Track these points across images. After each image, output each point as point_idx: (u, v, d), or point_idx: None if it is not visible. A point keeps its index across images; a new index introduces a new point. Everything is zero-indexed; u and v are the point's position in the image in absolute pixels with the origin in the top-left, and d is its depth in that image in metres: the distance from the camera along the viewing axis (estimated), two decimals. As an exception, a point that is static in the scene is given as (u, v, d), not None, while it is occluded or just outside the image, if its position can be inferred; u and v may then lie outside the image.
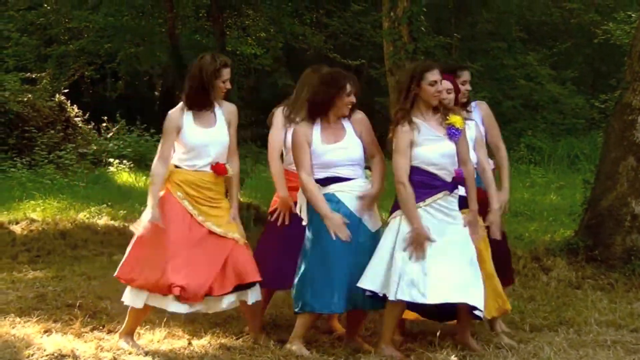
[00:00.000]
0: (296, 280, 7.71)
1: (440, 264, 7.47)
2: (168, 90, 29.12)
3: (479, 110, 8.87)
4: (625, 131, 11.68)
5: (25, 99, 23.14)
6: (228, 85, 7.84)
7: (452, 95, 8.00)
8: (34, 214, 15.81)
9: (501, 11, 29.34)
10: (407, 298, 7.42)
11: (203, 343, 8.11)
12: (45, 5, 23.48)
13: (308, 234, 7.75)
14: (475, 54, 28.60)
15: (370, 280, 7.52)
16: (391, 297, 7.44)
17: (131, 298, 7.81)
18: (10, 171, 20.92)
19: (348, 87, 7.69)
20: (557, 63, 30.58)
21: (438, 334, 7.90)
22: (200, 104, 7.76)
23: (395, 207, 7.69)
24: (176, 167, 7.83)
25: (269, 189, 8.10)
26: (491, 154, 8.73)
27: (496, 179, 8.65)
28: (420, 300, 7.43)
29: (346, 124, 7.87)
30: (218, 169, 7.82)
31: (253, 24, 19.86)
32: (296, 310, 7.75)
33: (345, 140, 7.77)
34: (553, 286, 10.88)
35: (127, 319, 7.92)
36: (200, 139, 7.73)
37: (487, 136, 8.83)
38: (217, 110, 7.88)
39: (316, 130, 7.73)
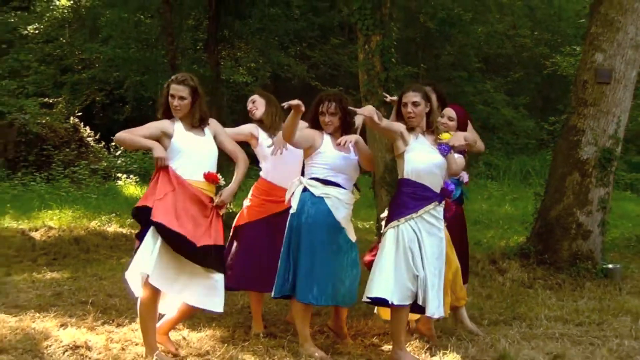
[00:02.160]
0: (284, 272, 7.52)
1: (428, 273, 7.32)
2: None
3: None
4: (571, 150, 11.74)
5: (44, 121, 23.09)
6: (175, 102, 7.36)
7: (453, 123, 8.19)
8: (51, 222, 15.77)
9: (462, 45, 29.42)
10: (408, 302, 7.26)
11: (200, 336, 8.11)
12: (61, 39, 23.55)
13: (298, 224, 7.50)
14: (439, 82, 28.67)
15: (376, 289, 7.22)
16: (397, 303, 7.21)
17: None
18: (30, 185, 20.88)
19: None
20: (511, 90, 30.72)
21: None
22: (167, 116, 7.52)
23: (391, 217, 7.40)
24: None
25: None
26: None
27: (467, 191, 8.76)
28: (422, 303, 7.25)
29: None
30: (209, 177, 7.48)
31: (244, 56, 19.93)
32: (276, 295, 7.58)
33: (352, 155, 7.68)
34: (508, 286, 10.90)
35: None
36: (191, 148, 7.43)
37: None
38: (206, 128, 7.58)
39: (328, 138, 7.64)
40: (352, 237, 7.68)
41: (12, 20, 26.14)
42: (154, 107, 30.09)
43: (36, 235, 14.51)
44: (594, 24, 11.80)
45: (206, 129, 7.58)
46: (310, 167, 7.66)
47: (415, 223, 7.28)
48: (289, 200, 7.73)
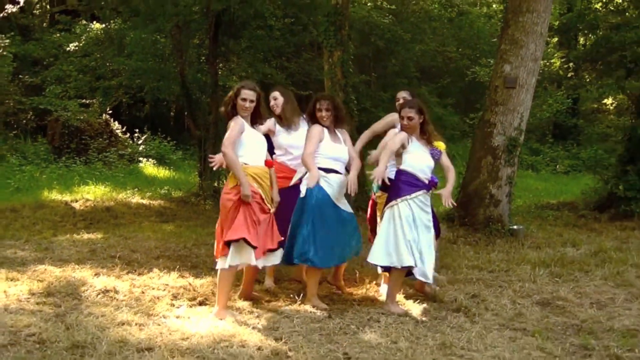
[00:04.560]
0: (297, 239, 7.21)
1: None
2: (179, 111, 29.12)
3: None
4: (485, 139, 11.78)
5: (82, 117, 22.88)
6: (247, 105, 7.03)
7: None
8: (88, 195, 15.71)
9: (404, 58, 29.38)
10: (412, 264, 7.11)
11: (202, 282, 8.12)
12: (95, 54, 23.45)
13: (307, 205, 7.22)
14: (386, 87, 28.60)
15: (379, 257, 7.18)
16: (399, 265, 7.11)
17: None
18: (72, 166, 20.70)
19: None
20: (441, 93, 30.72)
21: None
22: (230, 115, 7.08)
23: (390, 199, 7.29)
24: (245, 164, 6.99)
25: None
26: None
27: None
28: (419, 265, 7.15)
29: (340, 133, 7.59)
30: (268, 163, 7.22)
31: (237, 67, 19.83)
32: (297, 261, 7.27)
33: (342, 145, 7.48)
34: (438, 242, 10.93)
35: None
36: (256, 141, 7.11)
37: None
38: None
39: (326, 132, 7.43)
40: (348, 208, 7.42)
41: (57, 39, 26.03)
42: (167, 107, 30.02)
43: (76, 205, 14.44)
44: (504, 42, 11.84)
45: (261, 126, 7.37)
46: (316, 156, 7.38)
47: (408, 204, 7.20)
48: (297, 182, 7.59)
